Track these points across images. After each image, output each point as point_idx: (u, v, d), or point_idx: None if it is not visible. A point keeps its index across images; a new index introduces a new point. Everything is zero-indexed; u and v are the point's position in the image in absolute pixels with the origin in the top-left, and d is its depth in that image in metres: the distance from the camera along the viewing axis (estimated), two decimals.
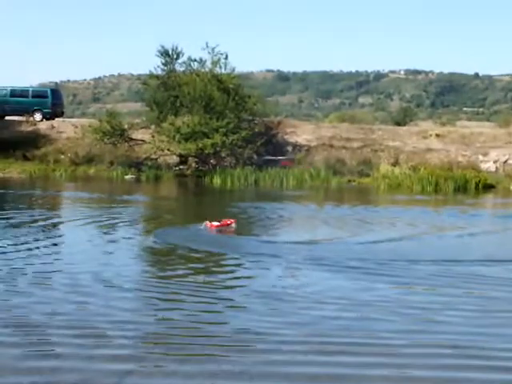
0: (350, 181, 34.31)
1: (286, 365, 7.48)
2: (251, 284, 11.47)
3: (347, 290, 11.11)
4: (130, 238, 16.05)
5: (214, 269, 12.79)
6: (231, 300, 10.29)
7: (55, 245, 14.92)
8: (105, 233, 17.17)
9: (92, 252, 14.24)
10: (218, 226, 17.39)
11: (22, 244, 14.38)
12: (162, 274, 12.35)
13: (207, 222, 17.42)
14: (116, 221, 18.96)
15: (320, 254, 14.14)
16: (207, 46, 36.74)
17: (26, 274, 11.44)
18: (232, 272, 12.65)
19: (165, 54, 37.93)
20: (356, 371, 7.35)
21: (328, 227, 19.21)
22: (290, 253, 14.25)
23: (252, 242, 16.11)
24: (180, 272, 12.26)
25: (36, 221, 18.41)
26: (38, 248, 14.06)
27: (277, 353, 7.84)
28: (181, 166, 36.03)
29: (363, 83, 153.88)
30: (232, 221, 18.01)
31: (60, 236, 16.68)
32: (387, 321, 9.26)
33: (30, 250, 13.79)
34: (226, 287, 11.31)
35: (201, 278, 11.79)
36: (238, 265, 13.26)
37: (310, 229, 19.33)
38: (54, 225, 18.35)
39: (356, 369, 7.42)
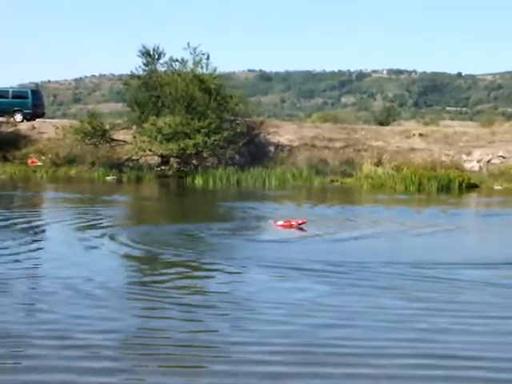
0: (332, 181, 34.19)
1: (271, 375, 7.31)
2: (228, 290, 11.29)
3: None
4: (107, 241, 15.54)
5: (190, 273, 12.54)
6: (212, 307, 10.08)
7: (30, 248, 14.48)
8: (81, 235, 16.51)
9: (68, 256, 13.76)
10: (282, 226, 17.83)
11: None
12: (139, 279, 12.10)
13: (271, 221, 18.14)
14: (94, 222, 18.57)
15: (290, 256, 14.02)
16: (189, 46, 36.53)
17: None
18: (211, 277, 12.40)
19: (146, 54, 37.59)
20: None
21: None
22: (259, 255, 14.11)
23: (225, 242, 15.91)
24: (158, 277, 12.02)
25: (12, 222, 18.03)
26: (7, 251, 13.80)
27: (261, 363, 7.67)
28: (162, 167, 35.78)
29: (346, 83, 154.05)
30: (298, 221, 18.14)
31: (36, 239, 16.12)
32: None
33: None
34: (205, 293, 11.14)
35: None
36: (216, 270, 12.91)
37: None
38: (31, 227, 17.87)
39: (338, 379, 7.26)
